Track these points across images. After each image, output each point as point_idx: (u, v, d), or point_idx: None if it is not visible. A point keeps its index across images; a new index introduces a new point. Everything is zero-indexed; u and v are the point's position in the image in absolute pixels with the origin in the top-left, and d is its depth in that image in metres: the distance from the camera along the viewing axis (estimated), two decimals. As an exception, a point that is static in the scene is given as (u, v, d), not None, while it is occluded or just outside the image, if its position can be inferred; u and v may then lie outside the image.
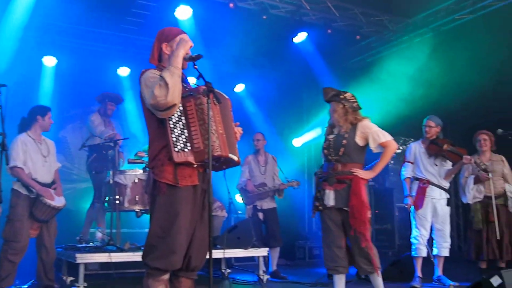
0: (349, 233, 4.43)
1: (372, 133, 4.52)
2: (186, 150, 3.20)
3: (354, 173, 4.46)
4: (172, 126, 3.20)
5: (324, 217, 4.61)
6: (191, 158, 3.21)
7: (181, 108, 3.24)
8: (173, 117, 3.22)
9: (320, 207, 4.59)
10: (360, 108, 4.69)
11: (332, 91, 4.75)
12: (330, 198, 4.52)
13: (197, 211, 3.33)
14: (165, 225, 3.17)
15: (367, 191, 4.51)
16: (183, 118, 3.24)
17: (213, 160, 3.27)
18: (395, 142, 4.57)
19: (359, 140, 4.55)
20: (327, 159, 4.64)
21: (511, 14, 7.66)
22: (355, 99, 4.70)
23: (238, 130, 3.62)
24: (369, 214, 4.39)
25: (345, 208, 4.44)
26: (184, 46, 3.30)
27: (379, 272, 4.47)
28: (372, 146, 4.53)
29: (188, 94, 3.26)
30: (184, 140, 3.21)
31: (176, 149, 3.18)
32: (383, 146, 4.50)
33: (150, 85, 3.17)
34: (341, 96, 4.66)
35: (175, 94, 3.11)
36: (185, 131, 3.23)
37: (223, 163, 3.46)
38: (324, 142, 4.71)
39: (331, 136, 4.68)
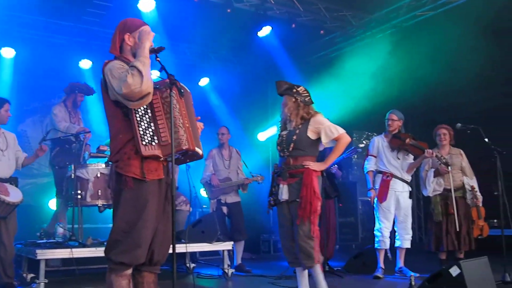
0: (295, 224, 4.44)
1: (325, 128, 4.54)
2: (153, 143, 3.17)
3: (306, 166, 4.48)
4: (138, 119, 3.16)
5: (279, 211, 4.65)
6: (158, 152, 3.18)
7: None
8: (139, 110, 3.17)
9: (272, 202, 4.64)
10: (312, 103, 4.71)
11: (285, 84, 4.75)
12: (283, 192, 4.55)
13: (161, 205, 3.31)
14: (131, 220, 3.14)
15: (320, 183, 4.54)
16: (149, 111, 3.21)
17: (179, 154, 3.25)
18: (348, 135, 4.58)
19: (311, 135, 4.57)
20: (280, 155, 4.69)
21: (470, 10, 7.82)
22: (307, 93, 4.70)
23: (200, 125, 3.60)
24: (319, 205, 4.42)
25: (297, 200, 4.46)
26: (149, 38, 3.26)
27: (319, 265, 4.49)
28: (325, 141, 4.54)
29: (153, 87, 3.23)
30: (151, 133, 3.18)
31: (143, 143, 3.14)
32: (336, 140, 4.52)
33: (119, 76, 3.10)
34: (294, 90, 4.67)
35: (149, 83, 3.07)
36: (152, 124, 3.19)
37: (187, 157, 3.44)
38: (278, 139, 4.74)
39: (284, 133, 4.71)
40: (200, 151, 3.38)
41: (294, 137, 4.56)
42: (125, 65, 3.18)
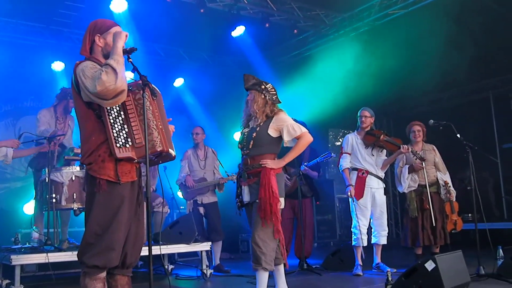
0: (252, 224, 4.36)
1: (288, 126, 4.40)
2: (127, 146, 3.15)
3: (263, 165, 4.35)
4: (112, 121, 3.13)
5: (247, 213, 4.59)
6: (132, 154, 3.17)
7: (119, 104, 3.19)
8: (112, 111, 3.15)
9: (239, 204, 4.56)
10: (280, 102, 4.58)
11: (253, 79, 4.61)
12: (245, 194, 4.46)
13: (133, 207, 3.29)
14: (104, 222, 3.12)
15: (280, 181, 4.39)
16: (122, 113, 3.19)
17: (153, 155, 3.24)
18: (311, 135, 4.50)
19: (272, 132, 4.43)
20: (242, 154, 4.55)
21: (440, 9, 7.94)
22: (275, 91, 4.59)
23: (171, 127, 3.58)
24: (280, 205, 4.28)
25: (257, 201, 4.34)
26: (122, 37, 3.23)
27: (282, 265, 4.51)
28: (286, 139, 4.42)
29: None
30: (125, 135, 3.16)
31: (117, 145, 3.13)
32: (297, 138, 4.42)
33: (92, 75, 3.07)
34: (263, 86, 4.53)
35: (123, 80, 3.05)
36: (125, 126, 3.17)
37: (160, 158, 3.42)
38: (240, 137, 4.63)
39: (246, 130, 4.56)
40: (173, 152, 3.38)
41: (254, 134, 4.42)
42: (97, 65, 3.15)
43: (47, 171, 5.91)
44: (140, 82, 3.21)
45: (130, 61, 3.28)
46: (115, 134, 3.14)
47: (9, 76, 8.72)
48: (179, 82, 10.88)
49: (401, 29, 8.63)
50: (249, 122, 4.61)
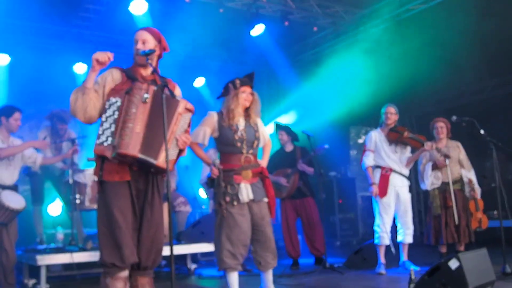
0: (262, 224, 4.44)
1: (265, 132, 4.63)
2: (105, 144, 3.22)
3: (261, 165, 4.48)
4: (104, 119, 3.27)
5: (236, 212, 4.43)
6: (108, 153, 3.21)
7: (119, 104, 3.26)
8: (108, 111, 3.27)
9: (235, 203, 4.42)
10: None
11: (253, 78, 4.56)
12: (244, 191, 4.34)
13: (138, 209, 3.32)
14: (105, 222, 3.25)
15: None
16: (116, 113, 3.27)
17: (120, 158, 3.23)
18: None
19: (262, 135, 4.61)
20: (238, 150, 4.39)
21: (462, 3, 7.83)
22: None
23: (181, 138, 3.45)
24: None
25: (264, 199, 4.47)
26: (94, 69, 3.35)
27: None
28: (262, 144, 4.58)
29: (128, 90, 3.25)
30: (109, 134, 3.23)
31: (98, 141, 3.23)
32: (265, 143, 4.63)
33: None
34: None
35: (73, 108, 3.28)
36: (113, 125, 3.24)
37: (141, 164, 3.34)
38: (229, 132, 4.37)
39: (241, 127, 4.40)
40: (151, 160, 3.27)
41: (257, 134, 4.43)
42: (105, 75, 3.41)
43: (70, 173, 6.00)
44: (145, 84, 3.28)
45: (149, 63, 3.32)
46: (100, 132, 3.26)
47: (32, 79, 8.85)
48: (199, 82, 10.93)
49: (422, 25, 8.54)
50: (239, 117, 4.43)
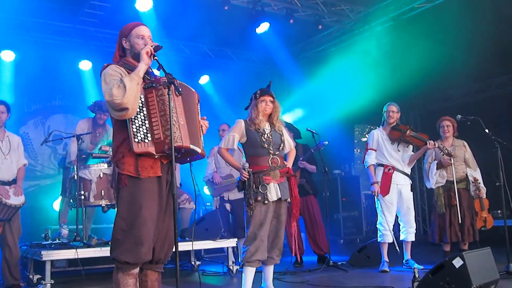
0: (283, 221, 4.71)
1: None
2: (146, 140, 3.20)
3: (287, 165, 4.73)
4: (133, 117, 3.20)
5: (263, 210, 4.63)
6: (151, 149, 3.20)
7: (143, 100, 3.25)
8: None
9: (266, 202, 4.61)
10: None
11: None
12: (273, 191, 4.58)
13: (162, 203, 3.33)
14: (129, 218, 3.17)
15: None
16: (144, 109, 3.24)
17: (175, 151, 3.26)
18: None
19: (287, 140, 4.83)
20: (266, 152, 4.61)
21: (467, 1, 7.81)
22: None
23: (204, 124, 3.62)
24: None
25: (288, 199, 4.72)
26: (145, 60, 3.30)
27: None
28: (287, 150, 4.84)
29: (149, 85, 3.25)
30: (145, 131, 3.21)
31: (136, 140, 3.18)
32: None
33: (108, 82, 3.19)
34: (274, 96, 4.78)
35: (129, 98, 3.12)
36: (146, 122, 3.23)
37: (186, 155, 3.44)
38: (257, 134, 4.62)
39: (267, 131, 4.66)
40: (198, 149, 3.40)
41: (282, 138, 4.69)
42: (117, 71, 3.25)
43: (75, 169, 6.02)
44: (163, 78, 3.26)
45: (156, 59, 3.33)
46: (135, 130, 3.20)
47: (38, 76, 8.89)
48: (204, 79, 10.95)
49: (427, 23, 8.52)
50: (264, 123, 4.70)
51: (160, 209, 3.31)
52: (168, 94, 3.18)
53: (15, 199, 5.26)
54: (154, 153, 3.22)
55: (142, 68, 3.26)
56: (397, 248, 6.20)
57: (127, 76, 3.19)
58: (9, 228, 5.31)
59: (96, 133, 6.87)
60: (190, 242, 5.99)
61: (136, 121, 3.21)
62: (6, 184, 5.30)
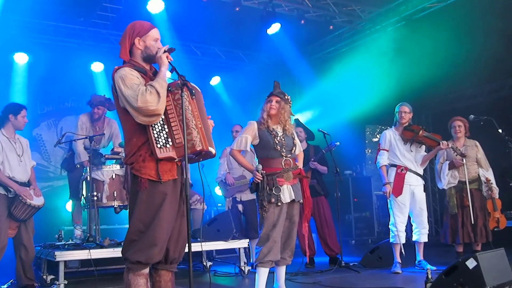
0: (294, 222, 4.72)
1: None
2: (168, 146, 3.22)
3: (299, 167, 4.77)
4: None
5: (276, 212, 4.65)
6: (173, 154, 3.22)
7: None
8: None
9: (279, 204, 4.62)
10: (293, 114, 4.92)
11: (279, 87, 4.84)
12: (287, 192, 4.60)
13: (176, 204, 3.35)
14: (147, 220, 3.19)
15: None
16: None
17: (193, 154, 3.28)
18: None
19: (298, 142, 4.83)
20: (278, 154, 4.62)
21: (479, 2, 7.76)
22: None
23: (211, 123, 3.63)
24: None
25: (300, 201, 4.74)
26: (165, 64, 3.31)
27: None
28: (298, 152, 4.81)
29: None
30: (165, 136, 3.22)
31: (158, 145, 3.20)
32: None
33: (131, 86, 3.16)
34: (286, 97, 4.75)
35: (163, 105, 3.16)
36: (165, 126, 3.24)
37: (200, 156, 3.46)
38: (269, 136, 4.63)
39: (280, 134, 4.66)
40: (213, 150, 3.41)
41: (294, 141, 4.72)
42: (134, 74, 3.23)
43: (88, 170, 6.06)
44: (179, 81, 3.26)
45: (169, 61, 3.33)
46: (156, 135, 3.20)
47: (50, 78, 8.96)
48: (215, 80, 10.98)
49: (439, 23, 8.48)
50: (273, 125, 4.70)
51: (174, 211, 3.33)
52: (182, 97, 3.20)
53: (37, 200, 5.36)
54: (176, 157, 3.24)
55: (165, 72, 3.29)
56: (402, 251, 6.18)
57: (157, 82, 3.19)
58: (24, 228, 5.38)
59: (96, 127, 6.95)
60: (201, 243, 6.01)
61: (156, 126, 3.22)
62: (24, 185, 5.36)
